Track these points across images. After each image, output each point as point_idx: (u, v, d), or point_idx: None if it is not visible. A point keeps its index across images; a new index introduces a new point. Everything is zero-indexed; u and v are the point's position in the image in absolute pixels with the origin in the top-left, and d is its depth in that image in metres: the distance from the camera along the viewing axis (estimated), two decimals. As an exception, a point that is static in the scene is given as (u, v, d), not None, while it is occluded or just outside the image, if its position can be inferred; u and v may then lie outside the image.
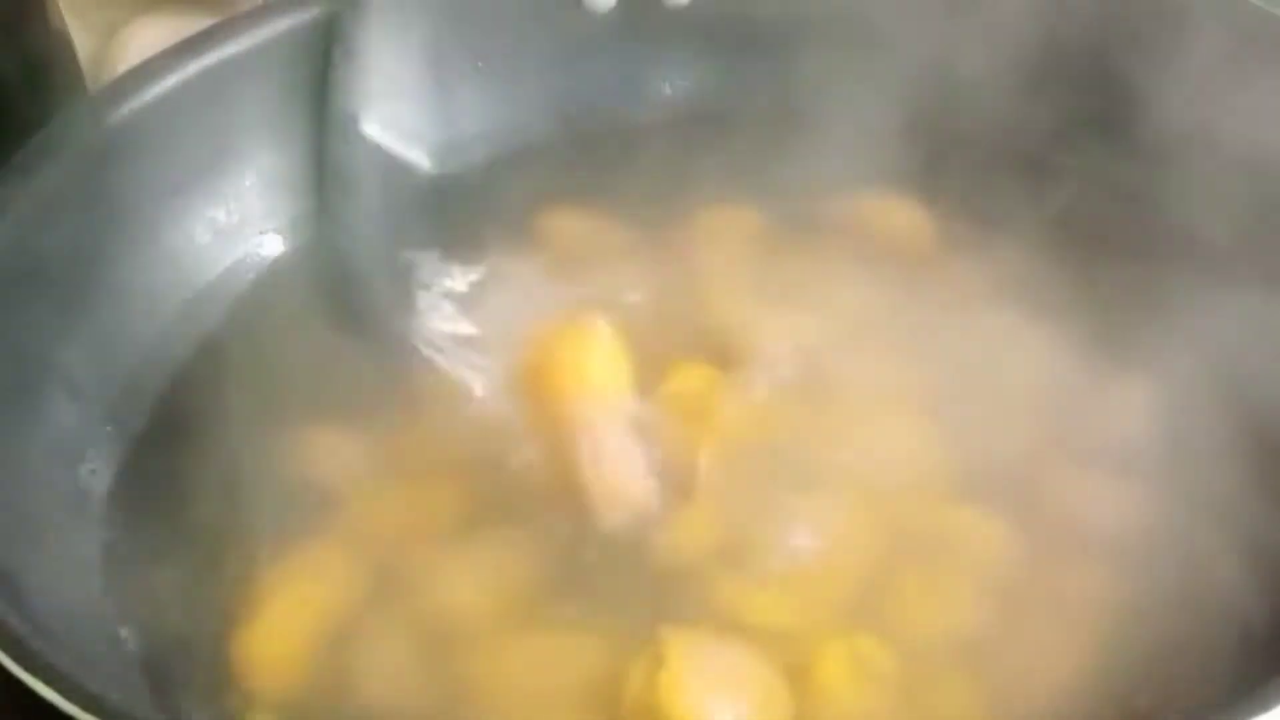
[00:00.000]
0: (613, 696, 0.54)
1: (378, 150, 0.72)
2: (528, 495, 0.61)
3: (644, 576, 0.58)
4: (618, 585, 0.58)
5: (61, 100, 0.69)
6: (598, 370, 0.61)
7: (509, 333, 0.65)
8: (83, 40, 0.83)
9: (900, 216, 0.72)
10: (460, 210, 0.74)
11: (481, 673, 0.56)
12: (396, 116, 0.73)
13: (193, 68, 0.70)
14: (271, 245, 0.73)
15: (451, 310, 0.68)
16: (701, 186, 0.74)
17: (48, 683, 0.48)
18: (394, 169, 0.73)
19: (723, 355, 0.67)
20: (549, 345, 0.62)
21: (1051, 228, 0.69)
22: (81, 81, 0.84)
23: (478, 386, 0.65)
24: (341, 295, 0.69)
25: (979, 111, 0.75)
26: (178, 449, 0.64)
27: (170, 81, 0.69)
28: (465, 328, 0.68)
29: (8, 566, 0.54)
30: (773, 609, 0.57)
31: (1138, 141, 0.70)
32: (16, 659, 0.49)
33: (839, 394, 0.65)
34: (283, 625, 0.57)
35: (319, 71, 0.74)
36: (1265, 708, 0.46)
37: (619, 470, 0.60)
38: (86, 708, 0.47)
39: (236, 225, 0.72)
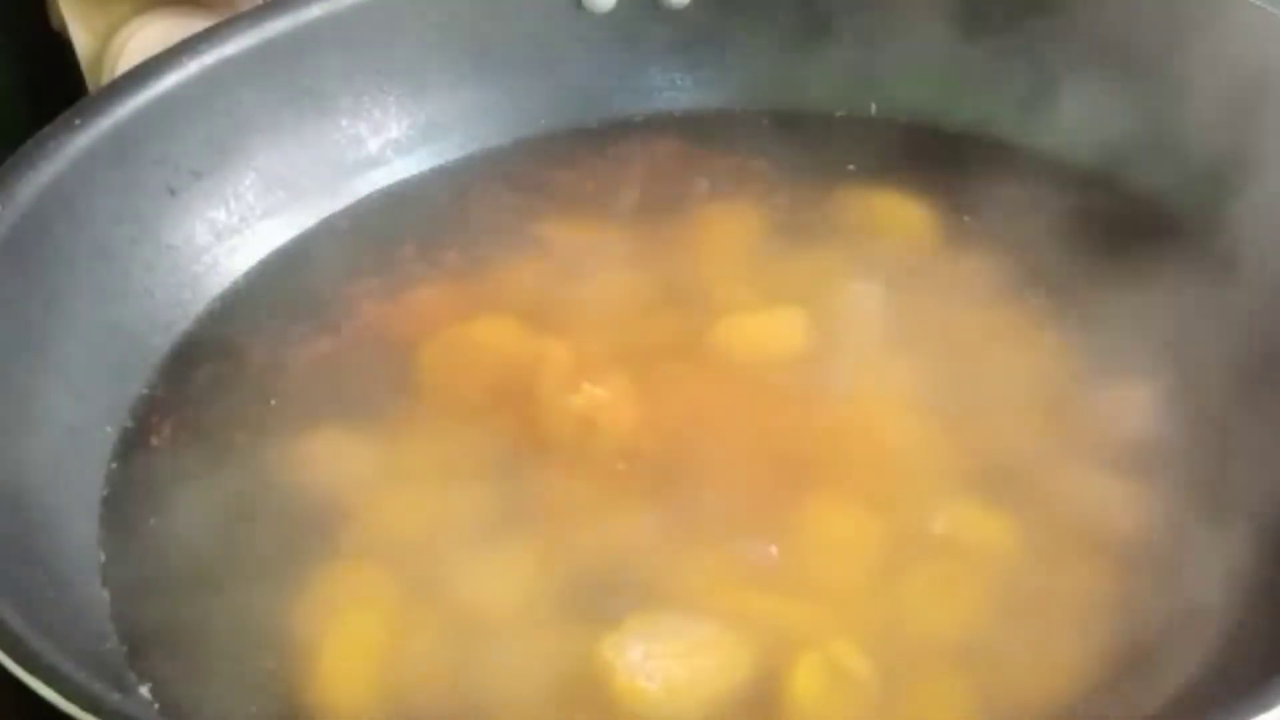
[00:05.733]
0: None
1: None
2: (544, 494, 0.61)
3: (645, 575, 0.59)
4: (619, 585, 0.58)
5: (61, 100, 0.69)
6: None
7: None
8: (83, 40, 0.84)
9: (900, 215, 0.72)
10: (460, 211, 0.74)
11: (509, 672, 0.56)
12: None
13: (193, 68, 0.70)
14: (271, 245, 0.73)
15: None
16: (701, 186, 0.74)
17: (48, 683, 0.48)
18: None
19: (723, 355, 0.67)
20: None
21: (1052, 226, 0.68)
22: (81, 81, 0.84)
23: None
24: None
25: (980, 109, 0.75)
26: (179, 450, 0.64)
27: (170, 81, 0.69)
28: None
29: (8, 567, 0.54)
30: (773, 609, 0.57)
31: (1138, 140, 0.70)
32: (16, 659, 0.49)
33: (839, 392, 0.65)
34: (348, 666, 0.57)
35: (319, 71, 0.74)
36: (1265, 708, 0.46)
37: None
38: (86, 708, 0.47)
39: (236, 225, 0.72)
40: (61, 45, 0.85)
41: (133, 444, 0.65)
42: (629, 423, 0.64)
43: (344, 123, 0.75)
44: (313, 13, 0.73)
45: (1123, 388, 0.63)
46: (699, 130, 0.78)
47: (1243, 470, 0.59)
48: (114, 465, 0.64)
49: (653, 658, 0.55)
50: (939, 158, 0.72)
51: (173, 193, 0.70)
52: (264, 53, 0.72)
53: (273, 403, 0.66)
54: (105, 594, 0.59)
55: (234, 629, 0.58)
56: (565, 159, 0.77)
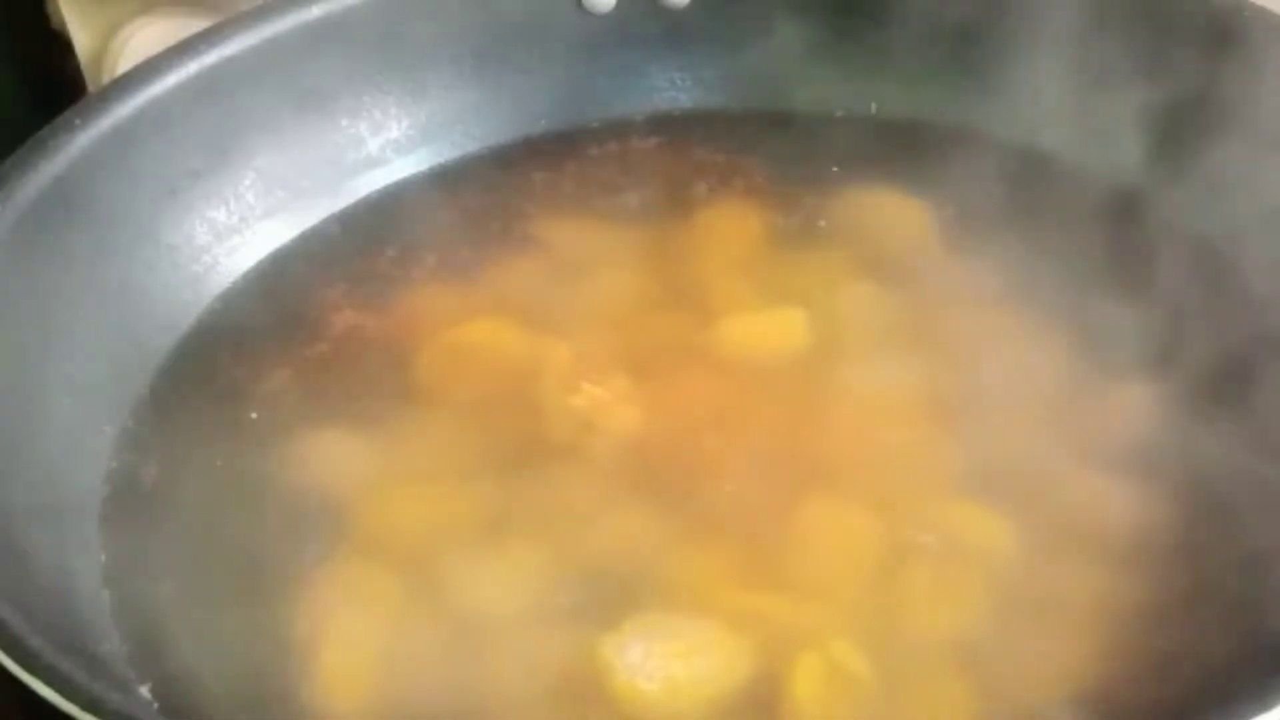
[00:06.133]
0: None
1: None
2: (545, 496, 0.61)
3: (645, 575, 0.59)
4: (619, 585, 0.58)
5: (61, 100, 0.69)
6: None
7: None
8: (83, 40, 0.84)
9: (900, 215, 0.72)
10: (460, 211, 0.74)
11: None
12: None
13: (193, 68, 0.70)
14: (271, 245, 0.73)
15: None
16: (701, 186, 0.74)
17: (48, 683, 0.48)
18: None
19: (723, 355, 0.67)
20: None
21: (1051, 227, 0.68)
22: (81, 81, 0.84)
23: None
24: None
25: (981, 109, 0.75)
26: (178, 451, 0.64)
27: (170, 81, 0.69)
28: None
29: (8, 567, 0.54)
30: (773, 609, 0.57)
31: (1137, 138, 0.70)
32: (16, 659, 0.49)
33: (839, 393, 0.65)
34: (348, 666, 0.57)
35: (319, 71, 0.74)
36: (1265, 708, 0.46)
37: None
38: (86, 708, 0.47)
39: (236, 225, 0.72)
40: (61, 45, 0.85)
41: (133, 444, 0.65)
42: (629, 423, 0.64)
43: (344, 123, 0.75)
44: (313, 13, 0.73)
45: (1122, 388, 0.63)
46: (699, 130, 0.78)
47: (1241, 469, 0.59)
48: (114, 465, 0.64)
49: (653, 658, 0.55)
50: (939, 158, 0.72)
51: (173, 193, 0.70)
52: (264, 53, 0.72)
53: (273, 403, 0.66)
54: (105, 594, 0.59)
55: (234, 629, 0.58)
56: (565, 159, 0.77)
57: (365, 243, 0.73)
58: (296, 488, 0.62)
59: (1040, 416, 0.63)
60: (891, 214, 0.72)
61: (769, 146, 0.75)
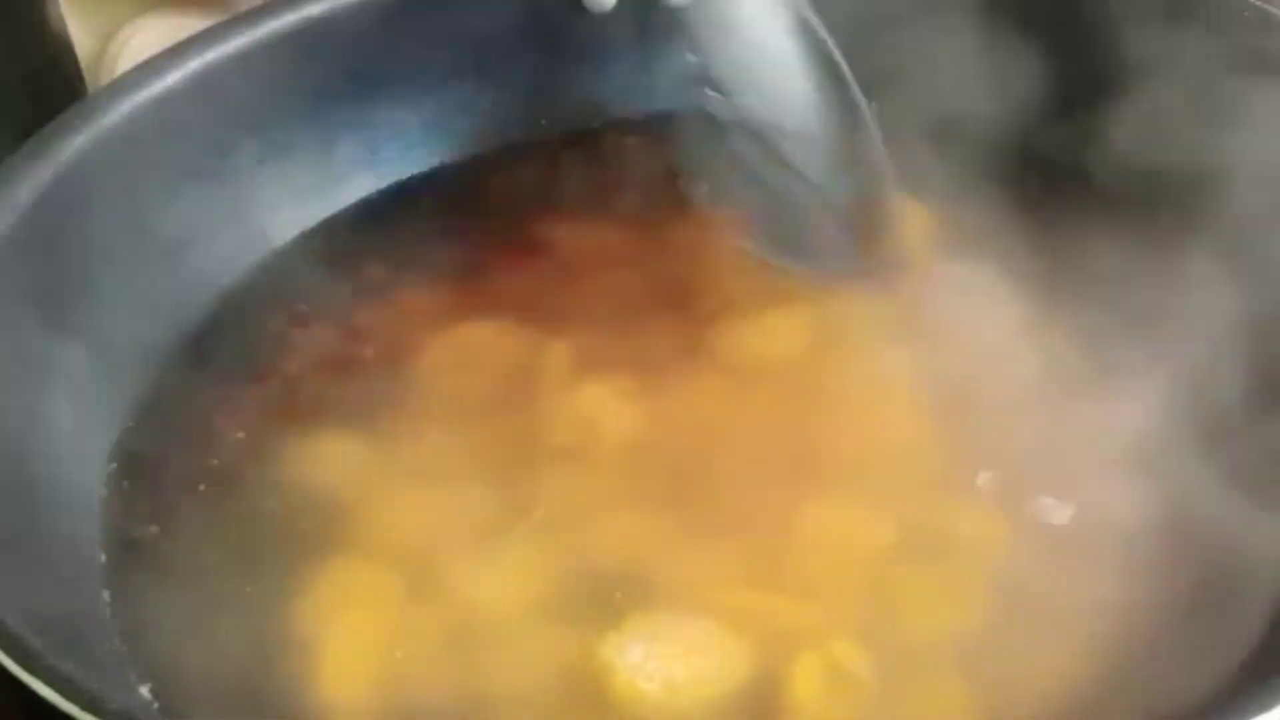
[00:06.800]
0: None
1: None
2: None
3: (645, 575, 0.59)
4: (619, 585, 0.58)
5: (61, 100, 0.69)
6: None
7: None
8: (83, 40, 0.84)
9: (901, 216, 0.72)
10: (460, 211, 0.75)
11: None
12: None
13: (193, 67, 0.70)
14: (272, 245, 0.73)
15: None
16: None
17: (48, 683, 0.48)
18: None
19: (723, 355, 0.67)
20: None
21: (1051, 228, 0.69)
22: (81, 81, 0.84)
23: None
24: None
25: (980, 109, 0.75)
26: (179, 451, 0.64)
27: (170, 81, 0.69)
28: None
29: (8, 567, 0.54)
30: (773, 609, 0.57)
31: (1137, 138, 0.70)
32: (16, 659, 0.49)
33: (839, 393, 0.65)
34: (349, 665, 0.57)
35: (319, 71, 0.74)
36: (1265, 708, 0.46)
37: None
38: (86, 708, 0.47)
39: (237, 225, 0.72)
40: (61, 45, 0.85)
41: (133, 444, 0.65)
42: (629, 423, 0.64)
43: (344, 123, 0.75)
44: (313, 13, 0.73)
45: (1124, 387, 0.63)
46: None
47: (1241, 468, 0.59)
48: (114, 465, 0.64)
49: (653, 658, 0.55)
50: (939, 158, 0.72)
51: (173, 192, 0.70)
52: (264, 53, 0.72)
53: (273, 403, 0.66)
54: (105, 594, 0.59)
55: (234, 628, 0.58)
56: (565, 159, 0.77)
57: (365, 243, 0.73)
58: (297, 487, 0.62)
59: (1040, 417, 0.63)
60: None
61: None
